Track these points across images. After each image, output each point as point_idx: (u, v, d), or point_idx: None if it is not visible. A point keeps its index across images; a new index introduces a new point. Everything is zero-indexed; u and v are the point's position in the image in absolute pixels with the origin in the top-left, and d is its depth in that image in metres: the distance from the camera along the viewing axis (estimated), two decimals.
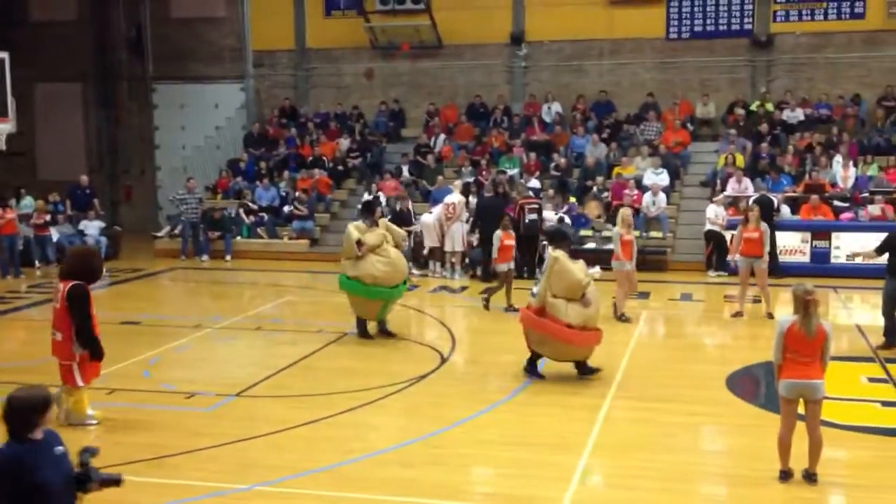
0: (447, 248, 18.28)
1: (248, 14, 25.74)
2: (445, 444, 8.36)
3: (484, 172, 21.11)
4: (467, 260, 18.51)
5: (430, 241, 18.46)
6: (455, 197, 18.49)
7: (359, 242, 12.20)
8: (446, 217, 18.15)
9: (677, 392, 10.05)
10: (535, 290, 10.37)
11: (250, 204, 21.82)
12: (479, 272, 18.02)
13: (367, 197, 19.81)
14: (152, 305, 16.15)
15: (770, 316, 13.44)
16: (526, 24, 24.30)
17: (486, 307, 14.58)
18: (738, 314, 13.86)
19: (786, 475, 7.32)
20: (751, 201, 18.15)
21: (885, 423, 8.89)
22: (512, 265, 14.75)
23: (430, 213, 18.71)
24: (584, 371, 10.51)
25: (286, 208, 21.76)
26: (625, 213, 14.08)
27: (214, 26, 26.11)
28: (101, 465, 4.68)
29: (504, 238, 14.55)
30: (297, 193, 21.92)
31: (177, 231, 21.64)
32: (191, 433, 8.64)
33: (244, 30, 25.86)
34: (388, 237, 12.54)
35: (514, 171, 21.19)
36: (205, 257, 20.83)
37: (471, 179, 20.78)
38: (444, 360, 11.49)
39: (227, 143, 25.51)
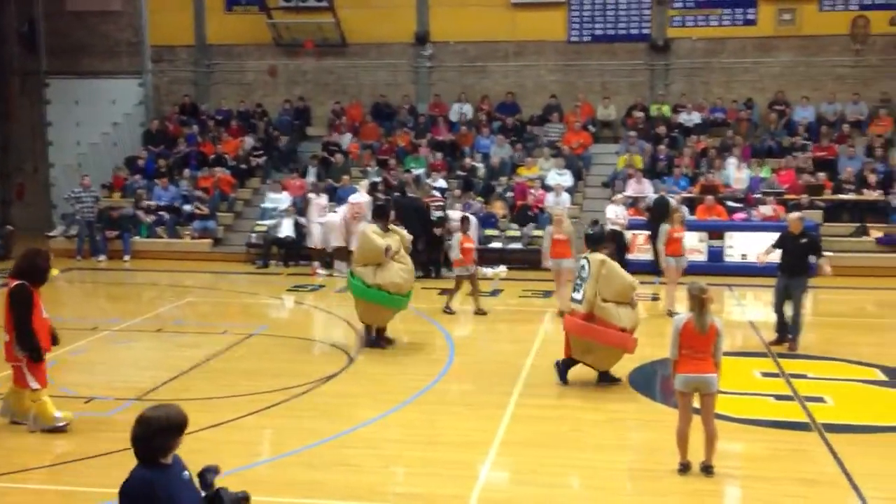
0: (353, 247, 18.13)
1: (145, 7, 25.11)
2: (353, 445, 8.32)
3: (392, 172, 21.11)
4: None
5: (335, 241, 18.34)
6: (361, 196, 18.42)
7: (387, 249, 11.68)
8: (352, 217, 18.07)
9: (581, 389, 10.23)
10: (577, 296, 10.09)
11: (148, 203, 21.25)
12: None
13: (349, 192, 19.45)
14: (47, 307, 15.53)
15: (670, 314, 13.81)
16: (430, 25, 24.39)
17: (445, 310, 14.42)
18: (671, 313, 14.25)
19: (685, 468, 7.55)
20: (650, 201, 18.69)
21: (778, 416, 9.22)
22: (473, 268, 14.50)
23: (336, 212, 18.59)
24: (608, 379, 10.31)
25: (187, 207, 21.30)
26: (556, 213, 14.46)
27: (111, 20, 25.38)
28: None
29: (463, 241, 14.47)
30: (198, 192, 21.48)
31: (72, 230, 20.95)
32: (91, 439, 8.38)
33: (142, 24, 25.21)
34: (404, 242, 12.18)
35: (420, 171, 21.24)
36: (102, 257, 20.23)
37: (377, 179, 20.75)
38: (350, 361, 11.44)
39: (124, 140, 24.83)
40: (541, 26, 23.81)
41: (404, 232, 12.34)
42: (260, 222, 20.43)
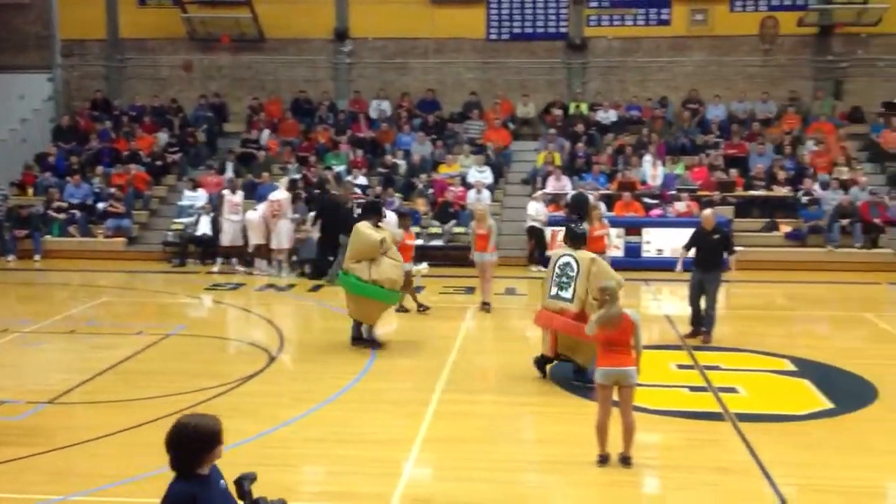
0: (273, 245, 18.00)
1: (55, 0, 24.37)
2: (274, 444, 8.23)
3: (312, 169, 20.94)
4: (294, 257, 18.30)
5: (255, 239, 18.12)
6: (281, 193, 18.24)
7: (382, 241, 11.56)
8: (272, 214, 17.87)
9: (503, 384, 10.33)
10: (565, 294, 9.95)
11: (59, 203, 20.61)
12: (307, 270, 17.84)
13: (334, 188, 19.12)
14: None
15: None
16: (350, 21, 24.30)
17: (397, 309, 14.16)
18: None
19: (604, 459, 7.68)
20: (568, 198, 18.94)
21: (693, 406, 9.44)
22: (412, 265, 14.33)
23: (255, 209, 18.36)
24: (587, 380, 10.08)
25: (100, 205, 20.75)
26: (478, 208, 14.74)
27: (19, 12, 24.60)
28: None
29: (406, 238, 14.37)
30: (111, 190, 20.95)
31: None
32: (1, 444, 8.10)
33: (52, 17, 24.52)
34: (394, 239, 12.11)
35: (340, 168, 21.12)
36: (11, 257, 19.59)
37: (297, 176, 20.57)
38: (272, 360, 11.31)
39: (34, 136, 24.10)
40: (460, 24, 23.93)
41: (395, 229, 12.32)
42: (176, 220, 20.04)
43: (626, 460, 7.66)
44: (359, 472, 7.57)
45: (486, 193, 20.17)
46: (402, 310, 14.25)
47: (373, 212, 12.37)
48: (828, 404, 9.46)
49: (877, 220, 18.77)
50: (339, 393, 9.80)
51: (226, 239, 18.42)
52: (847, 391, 9.92)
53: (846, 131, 22.10)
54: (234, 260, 18.42)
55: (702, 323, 12.25)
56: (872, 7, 22.17)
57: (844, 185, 19.68)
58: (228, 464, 7.64)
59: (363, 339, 11.98)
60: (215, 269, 18.26)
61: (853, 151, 21.59)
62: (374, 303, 11.73)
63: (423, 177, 20.96)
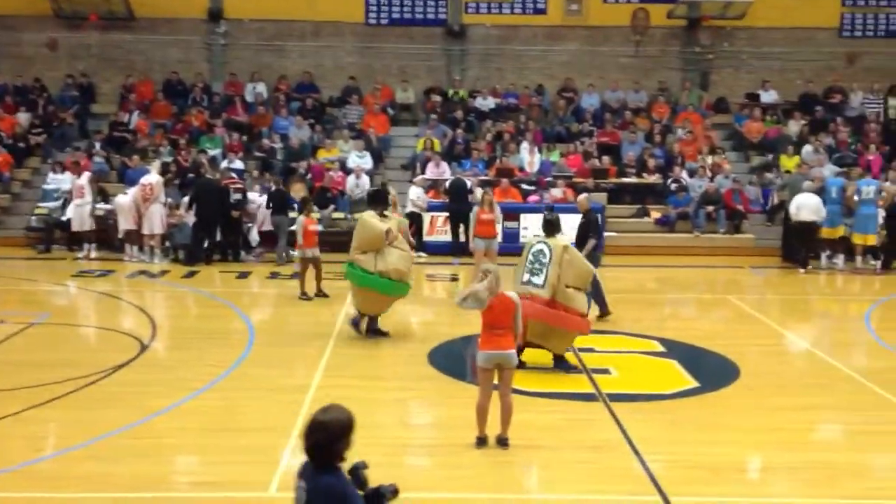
0: (145, 230, 17.45)
1: None
2: (146, 435, 8.02)
3: (183, 153, 20.40)
4: (167, 243, 17.80)
5: (126, 224, 17.54)
6: (152, 177, 17.68)
7: (388, 232, 11.13)
8: (143, 198, 17.32)
9: (383, 369, 10.36)
10: (537, 280, 9.85)
11: None
12: (181, 256, 17.40)
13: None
14: None
15: None
16: (224, 1, 23.72)
17: (301, 296, 14.00)
18: None
19: (481, 441, 7.81)
20: (447, 184, 19.08)
21: (568, 388, 9.68)
22: (317, 251, 14.05)
23: (126, 194, 17.77)
24: (565, 366, 10.22)
25: None
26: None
27: None
28: None
29: (307, 223, 14.03)
30: None
31: None
32: None
33: None
34: (401, 227, 11.69)
35: (215, 152, 20.65)
36: None
37: (169, 159, 20.00)
38: (144, 348, 11.00)
39: None
40: (338, 7, 23.71)
41: (401, 218, 11.87)
42: (41, 204, 19.20)
43: (503, 441, 7.80)
44: (236, 460, 7.45)
45: (365, 179, 20.10)
46: (322, 294, 14.02)
47: (378, 201, 11.84)
48: (693, 383, 9.86)
49: (739, 207, 19.63)
50: (214, 381, 9.61)
51: (74, 224, 17.78)
52: (711, 370, 10.37)
53: (712, 121, 23.00)
54: (86, 246, 17.81)
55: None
56: (738, 1, 23.09)
57: (710, 173, 20.49)
58: (99, 456, 7.46)
59: (378, 331, 11.67)
60: (81, 255, 17.62)
61: (718, 140, 22.48)
62: (382, 295, 11.41)
63: (302, 162, 20.70)
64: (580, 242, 12.37)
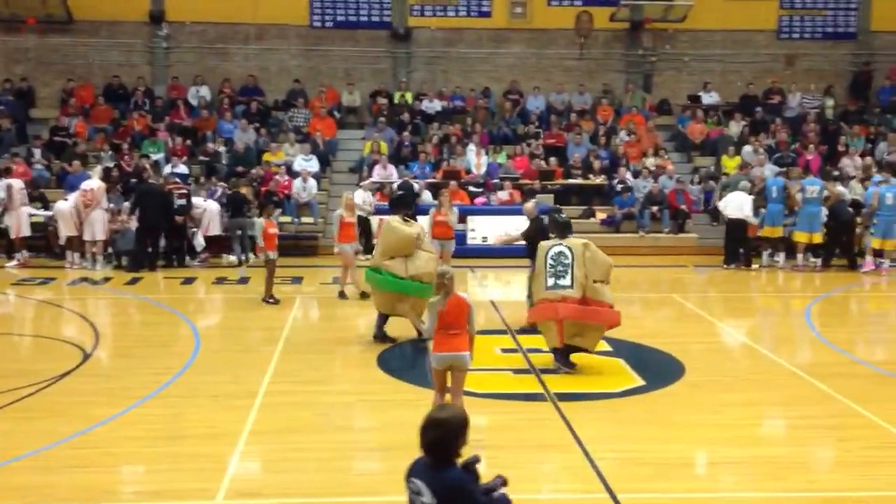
0: (87, 237, 17.14)
1: None
2: (89, 445, 7.86)
3: (126, 157, 20.08)
4: (110, 249, 17.51)
5: (66, 231, 17.20)
6: (93, 183, 17.38)
7: (418, 236, 11.03)
8: (84, 204, 17.01)
9: (331, 373, 10.30)
10: (563, 282, 9.86)
11: None
12: (124, 262, 17.13)
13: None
14: None
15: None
16: (166, 3, 23.44)
17: (267, 300, 13.89)
18: None
19: None
20: (394, 187, 19.05)
21: (517, 388, 9.74)
22: (276, 254, 13.94)
23: (66, 199, 17.43)
24: (569, 366, 10.19)
25: None
26: (347, 196, 14.77)
27: None
28: None
29: (268, 226, 13.87)
30: None
31: None
32: None
33: None
34: (422, 232, 11.59)
35: (158, 156, 20.37)
36: None
37: (111, 164, 19.68)
38: (86, 357, 10.79)
39: None
40: (283, 10, 23.57)
41: (422, 223, 11.77)
42: None
43: None
44: (181, 468, 7.34)
45: (312, 182, 19.97)
46: (273, 301, 13.89)
47: (402, 205, 11.81)
48: (640, 381, 9.96)
49: (683, 207, 19.92)
50: (159, 389, 9.46)
51: (12, 231, 17.46)
52: (657, 368, 10.48)
53: (655, 122, 23.30)
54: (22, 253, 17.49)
55: None
56: (679, 4, 23.45)
57: (654, 174, 20.76)
58: (42, 467, 7.30)
59: (385, 337, 11.53)
60: (11, 263, 17.29)
61: (662, 142, 22.78)
62: (411, 298, 11.26)
63: (252, 168, 20.48)
64: (532, 247, 12.38)
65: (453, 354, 7.70)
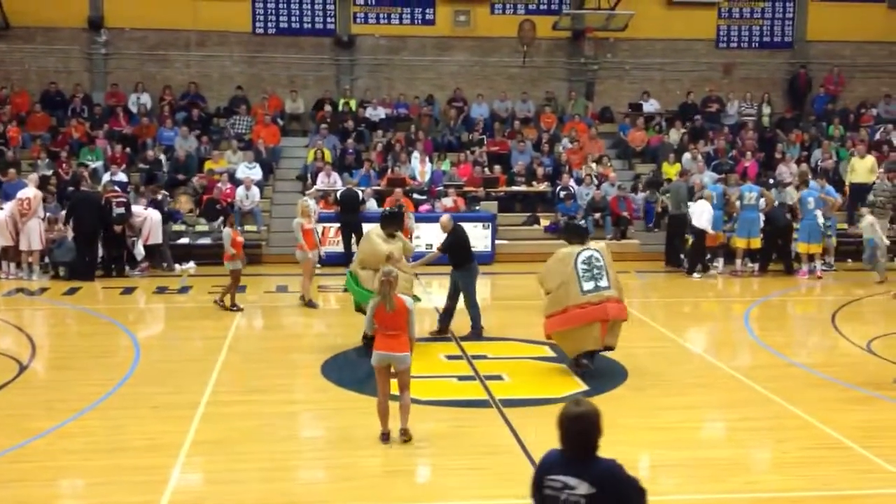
0: (23, 246, 16.77)
1: None
2: (27, 459, 7.69)
3: (64, 165, 19.72)
4: (46, 259, 17.16)
5: (1, 241, 16.81)
6: (30, 191, 17.02)
7: (389, 256, 10.86)
8: (20, 213, 16.65)
9: (275, 382, 10.21)
10: (603, 283, 10.05)
11: None
12: (62, 272, 16.80)
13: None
14: None
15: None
16: (105, 9, 23.09)
17: (231, 308, 13.81)
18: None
19: (385, 437, 8.05)
20: (338, 195, 18.99)
21: (462, 395, 9.76)
22: (242, 263, 13.92)
23: (1, 209, 17.05)
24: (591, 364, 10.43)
25: None
26: (303, 203, 14.73)
27: None
28: None
29: (235, 235, 13.76)
30: None
31: None
32: None
33: None
34: (407, 250, 11.52)
35: (97, 164, 20.03)
36: None
37: (48, 172, 19.30)
38: (23, 369, 10.55)
39: None
40: (224, 16, 23.36)
41: (408, 241, 11.68)
42: None
43: (404, 433, 8.05)
44: (122, 481, 7.21)
45: (255, 190, 19.81)
46: (237, 308, 13.90)
47: (390, 223, 11.64)
48: (583, 386, 10.03)
49: (625, 213, 20.17)
50: (98, 401, 9.29)
51: None
52: (600, 373, 10.57)
53: (597, 130, 23.55)
54: None
55: (448, 318, 12.46)
56: (620, 14, 23.71)
57: (597, 181, 20.99)
58: None
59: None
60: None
61: (604, 149, 23.04)
62: None
63: (194, 179, 20.25)
64: (457, 260, 12.40)
65: (391, 354, 7.92)
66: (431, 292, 16.58)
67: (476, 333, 12.38)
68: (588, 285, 10.14)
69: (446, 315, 12.52)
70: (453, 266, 12.51)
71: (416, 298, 11.10)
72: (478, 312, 12.49)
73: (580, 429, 4.16)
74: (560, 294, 10.23)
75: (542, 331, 10.68)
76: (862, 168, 20.76)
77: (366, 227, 17.83)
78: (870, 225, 17.01)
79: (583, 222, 19.25)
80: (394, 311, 7.85)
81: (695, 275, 17.60)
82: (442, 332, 12.42)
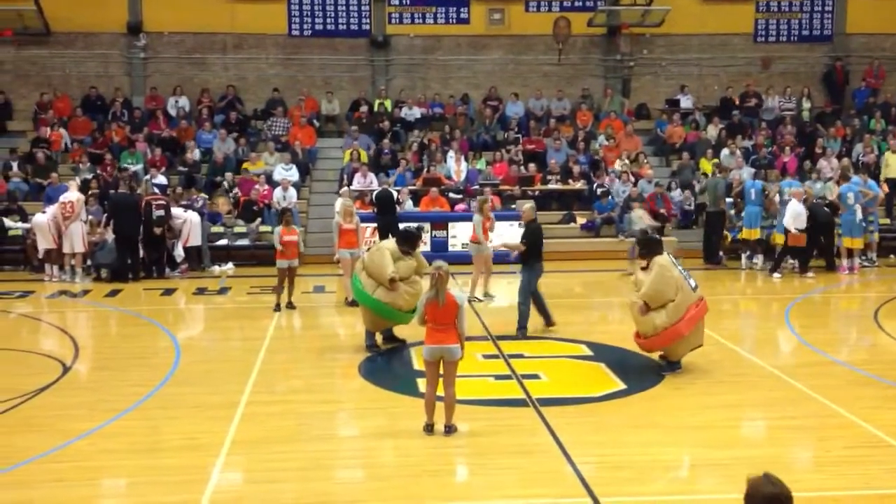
0: (66, 249, 17.04)
1: None
2: (69, 459, 7.81)
3: (109, 168, 20.01)
4: (89, 262, 17.42)
5: (45, 243, 17.10)
6: (73, 195, 17.30)
7: (392, 280, 11.05)
8: (63, 216, 16.92)
9: (313, 382, 10.27)
10: (692, 283, 10.24)
11: None
12: (104, 274, 17.05)
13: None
14: None
15: (487, 296, 14.92)
16: (143, 14, 23.38)
17: (278, 309, 14.00)
18: (480, 299, 14.89)
19: (429, 428, 8.22)
20: (374, 195, 19.03)
21: (498, 394, 9.74)
22: (296, 262, 14.18)
23: (45, 212, 17.34)
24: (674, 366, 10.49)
25: None
26: (345, 203, 15.13)
27: None
28: None
29: (283, 233, 13.93)
30: None
31: None
32: None
33: None
34: (421, 267, 11.56)
35: (137, 167, 20.29)
36: None
37: (90, 176, 19.59)
38: (66, 370, 10.72)
39: None
40: (260, 19, 23.56)
41: (423, 260, 11.75)
42: None
43: (449, 429, 8.18)
44: (162, 480, 7.30)
45: (292, 191, 19.94)
46: (291, 306, 14.17)
47: (406, 241, 11.65)
48: (621, 385, 9.99)
49: (662, 210, 20.00)
50: (140, 401, 9.41)
51: None
52: (638, 372, 10.51)
53: (634, 127, 23.39)
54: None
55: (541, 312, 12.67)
56: (655, 9, 23.58)
57: (634, 178, 20.84)
58: (19, 482, 7.25)
59: (375, 346, 11.59)
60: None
61: (641, 146, 22.88)
62: (382, 319, 11.43)
63: (228, 175, 20.47)
64: (529, 253, 12.40)
65: (443, 347, 8.08)
66: (467, 291, 16.57)
67: (522, 332, 12.31)
68: (693, 283, 10.33)
69: (542, 310, 12.60)
70: (523, 262, 12.53)
71: (406, 315, 11.17)
72: (528, 311, 12.44)
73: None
74: (680, 299, 10.14)
75: (655, 342, 10.35)
76: (894, 163, 20.44)
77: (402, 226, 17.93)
78: None
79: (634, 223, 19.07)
80: (445, 306, 8.04)
81: (775, 274, 17.06)
82: (550, 325, 12.65)
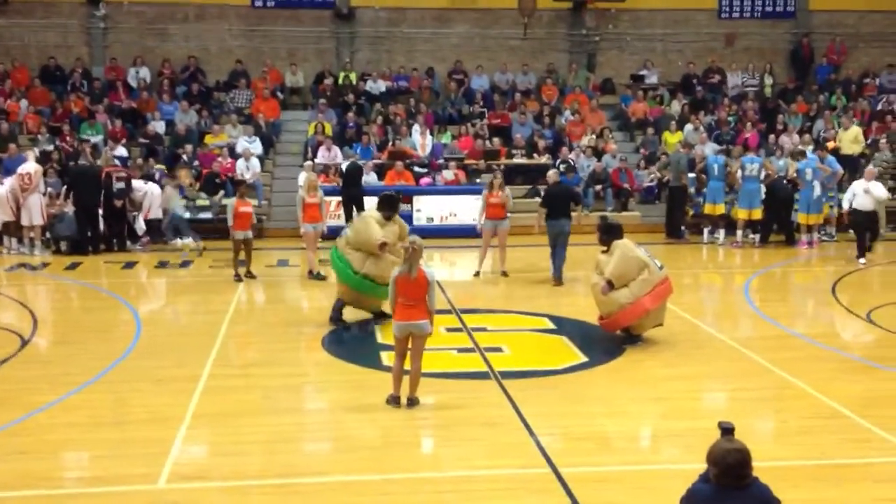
0: (24, 221, 16.78)
1: None
2: (29, 432, 7.75)
3: (68, 139, 19.71)
4: (48, 234, 17.18)
5: (3, 216, 16.83)
6: (30, 166, 17.01)
7: (383, 245, 10.84)
8: (21, 188, 16.65)
9: (277, 356, 10.25)
10: (657, 262, 10.46)
11: None
12: (63, 247, 16.83)
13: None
14: None
15: (504, 274, 14.77)
16: None
17: (239, 279, 14.02)
18: (477, 274, 14.87)
19: (395, 400, 8.29)
20: (343, 167, 18.93)
21: (462, 367, 9.79)
22: (250, 234, 14.12)
23: (2, 184, 17.05)
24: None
25: None
26: (309, 177, 15.12)
27: None
28: None
29: (238, 205, 13.81)
30: None
31: None
32: None
33: None
34: (403, 231, 11.30)
35: (97, 139, 20.00)
36: None
37: (49, 147, 19.28)
38: (24, 343, 10.61)
39: None
40: None
41: (405, 225, 11.57)
42: None
43: (412, 402, 8.27)
44: (123, 454, 7.27)
45: (255, 162, 19.78)
46: (251, 276, 14.25)
47: (387, 206, 11.38)
48: (583, 358, 10.09)
49: (626, 185, 20.13)
50: (100, 374, 9.34)
51: None
52: (599, 345, 10.61)
53: (598, 102, 23.44)
54: None
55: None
56: None
57: (597, 153, 20.93)
58: None
59: (340, 320, 11.40)
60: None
61: (605, 121, 22.94)
62: (363, 295, 11.24)
63: (189, 147, 20.23)
64: (560, 211, 13.85)
65: (410, 323, 8.13)
66: (433, 265, 16.59)
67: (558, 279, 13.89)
68: (658, 263, 10.52)
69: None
70: (562, 216, 13.93)
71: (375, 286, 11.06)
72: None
73: (739, 458, 4.35)
74: (646, 276, 10.29)
75: (620, 318, 10.41)
76: (846, 139, 20.71)
77: (367, 200, 17.86)
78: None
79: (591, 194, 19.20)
80: (415, 281, 8.05)
81: (861, 260, 16.07)
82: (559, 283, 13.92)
